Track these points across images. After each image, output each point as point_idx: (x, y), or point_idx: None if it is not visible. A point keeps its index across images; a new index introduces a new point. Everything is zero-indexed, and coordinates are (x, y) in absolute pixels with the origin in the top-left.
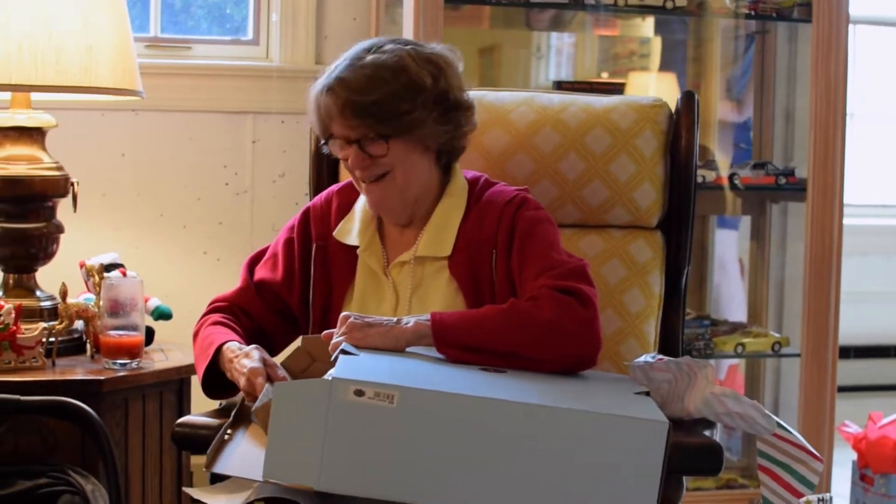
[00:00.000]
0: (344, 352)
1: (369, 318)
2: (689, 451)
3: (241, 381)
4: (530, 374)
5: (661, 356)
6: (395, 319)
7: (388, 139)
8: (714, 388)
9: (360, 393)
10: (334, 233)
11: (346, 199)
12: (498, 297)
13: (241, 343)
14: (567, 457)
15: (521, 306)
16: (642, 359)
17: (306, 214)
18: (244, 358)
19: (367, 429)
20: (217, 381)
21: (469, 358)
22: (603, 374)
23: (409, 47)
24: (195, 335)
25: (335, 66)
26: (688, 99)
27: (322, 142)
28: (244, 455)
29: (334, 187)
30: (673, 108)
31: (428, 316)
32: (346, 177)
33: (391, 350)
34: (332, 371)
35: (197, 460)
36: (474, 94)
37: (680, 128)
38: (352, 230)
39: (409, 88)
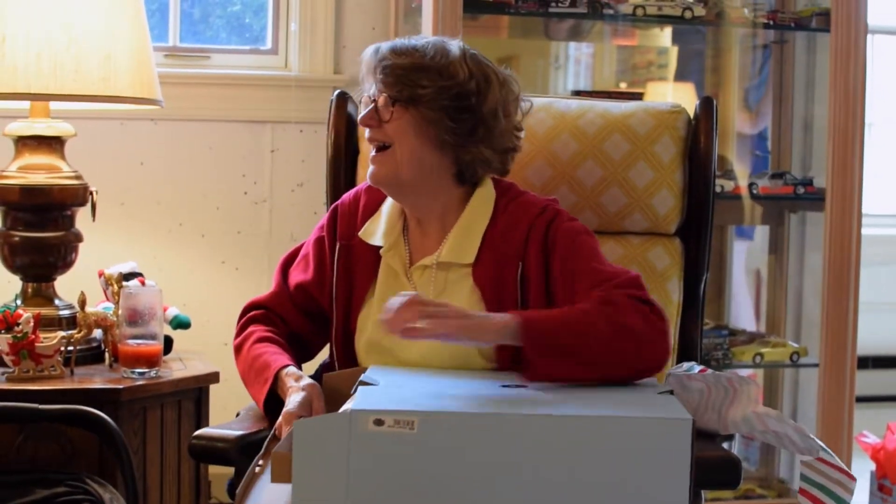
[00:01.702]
0: (363, 382)
1: (439, 302)
2: (708, 464)
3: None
4: (550, 386)
5: (703, 367)
6: (468, 311)
7: (394, 103)
8: (757, 408)
9: (379, 422)
10: (360, 233)
11: (374, 198)
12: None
13: (296, 368)
14: (593, 464)
15: (603, 309)
16: (683, 368)
17: (335, 212)
18: (293, 393)
19: (389, 456)
20: (277, 402)
21: (550, 365)
22: None
23: (471, 50)
24: (238, 348)
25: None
26: (706, 104)
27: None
28: (274, 491)
29: (363, 185)
30: (691, 115)
31: (507, 315)
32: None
33: (475, 340)
34: (348, 404)
35: (215, 470)
36: None
37: (699, 133)
38: (377, 230)
39: (439, 72)
